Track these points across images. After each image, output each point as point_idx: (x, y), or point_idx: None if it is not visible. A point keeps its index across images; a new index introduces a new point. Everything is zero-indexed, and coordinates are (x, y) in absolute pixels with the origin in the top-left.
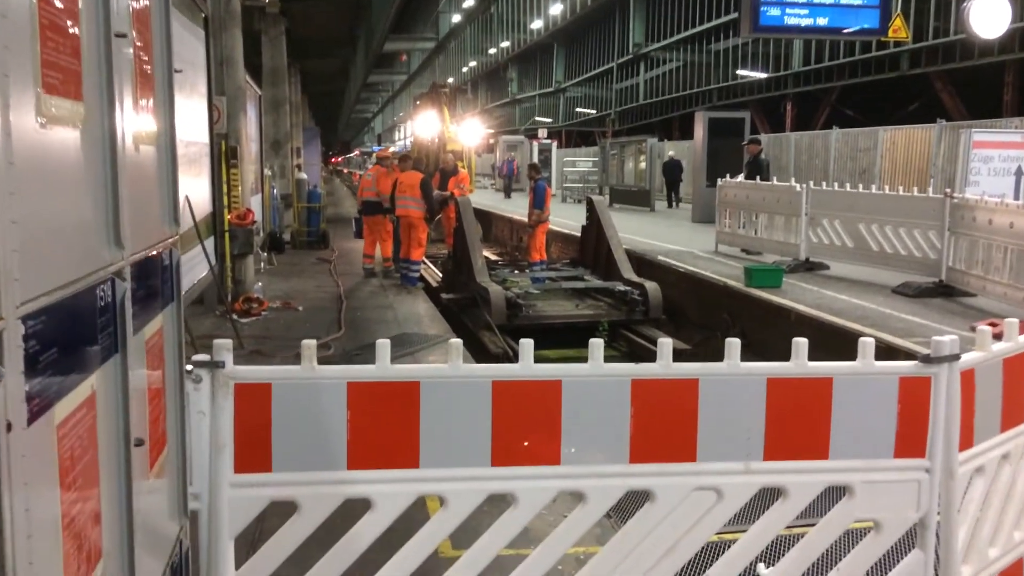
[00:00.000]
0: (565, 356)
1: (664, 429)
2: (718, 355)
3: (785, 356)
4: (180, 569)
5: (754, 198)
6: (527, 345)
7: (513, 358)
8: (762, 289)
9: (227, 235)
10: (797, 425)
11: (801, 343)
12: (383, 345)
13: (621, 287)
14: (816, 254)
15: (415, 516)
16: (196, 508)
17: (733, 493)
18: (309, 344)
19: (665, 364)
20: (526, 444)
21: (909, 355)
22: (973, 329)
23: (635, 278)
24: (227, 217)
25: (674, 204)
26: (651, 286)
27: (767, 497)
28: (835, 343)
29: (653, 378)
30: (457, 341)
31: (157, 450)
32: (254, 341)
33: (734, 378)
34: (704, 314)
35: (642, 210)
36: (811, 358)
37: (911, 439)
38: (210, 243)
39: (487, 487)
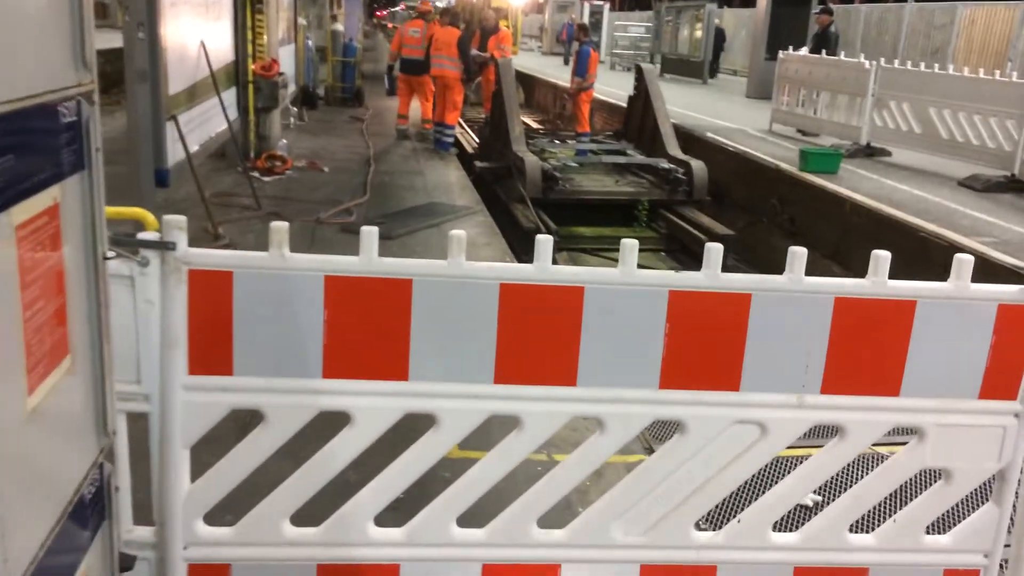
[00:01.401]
0: (601, 234)
1: (703, 351)
2: (763, 242)
3: (835, 248)
4: (97, 501)
5: (817, 74)
6: (544, 243)
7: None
8: (817, 174)
9: (250, 87)
10: (866, 354)
11: (882, 257)
12: (369, 234)
13: (665, 164)
14: (879, 139)
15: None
16: (146, 411)
17: (780, 430)
18: (279, 227)
19: (712, 274)
20: (537, 359)
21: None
22: None
23: (680, 155)
24: (251, 67)
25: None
26: (697, 165)
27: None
28: (891, 237)
29: (696, 290)
30: (459, 233)
31: (51, 360)
32: (273, 202)
33: (796, 296)
34: (751, 198)
35: (694, 82)
36: (864, 254)
37: (1002, 379)
38: (230, 95)
39: (488, 407)
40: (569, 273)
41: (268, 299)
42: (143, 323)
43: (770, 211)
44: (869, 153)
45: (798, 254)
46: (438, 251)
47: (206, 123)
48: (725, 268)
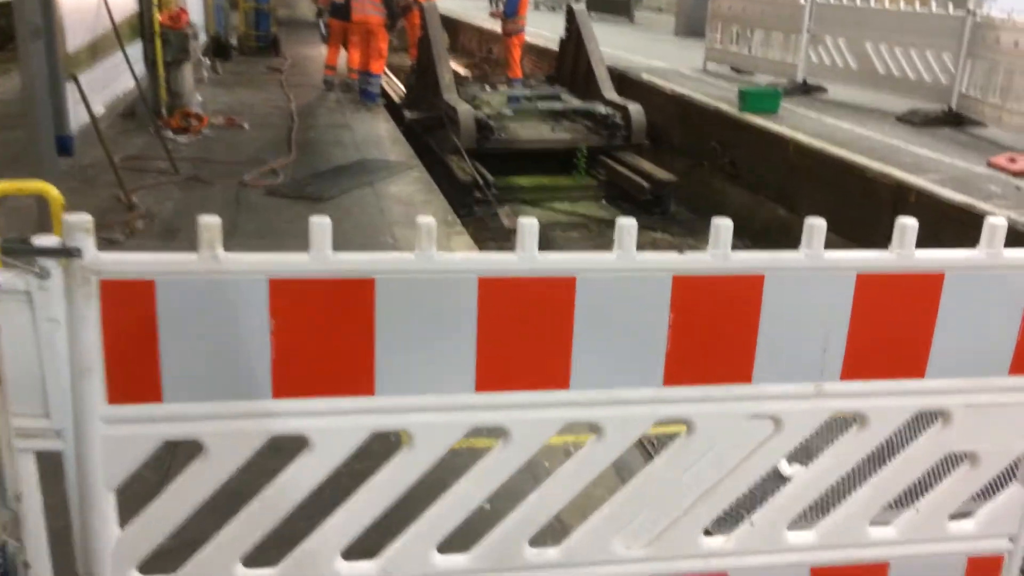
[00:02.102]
0: (540, 184)
1: (712, 342)
2: (705, 186)
3: (780, 191)
4: None
5: (751, 11)
6: (528, 228)
7: (484, 187)
8: (757, 114)
9: (157, 39)
10: (889, 334)
11: (908, 227)
12: (320, 226)
13: (602, 109)
14: (815, 76)
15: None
16: (59, 449)
17: (796, 422)
18: (210, 223)
19: (721, 255)
20: (524, 361)
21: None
22: (989, 164)
23: (617, 99)
24: (156, 18)
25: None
26: (634, 108)
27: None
28: (837, 178)
29: (704, 274)
30: (429, 221)
31: None
32: (190, 165)
33: (815, 273)
34: (691, 141)
35: (620, 20)
36: (811, 196)
37: None
38: (136, 49)
39: (469, 419)
40: (558, 262)
41: (201, 310)
42: (47, 347)
43: (711, 154)
44: (806, 91)
45: (816, 227)
46: (375, 212)
47: (112, 81)
48: (668, 214)
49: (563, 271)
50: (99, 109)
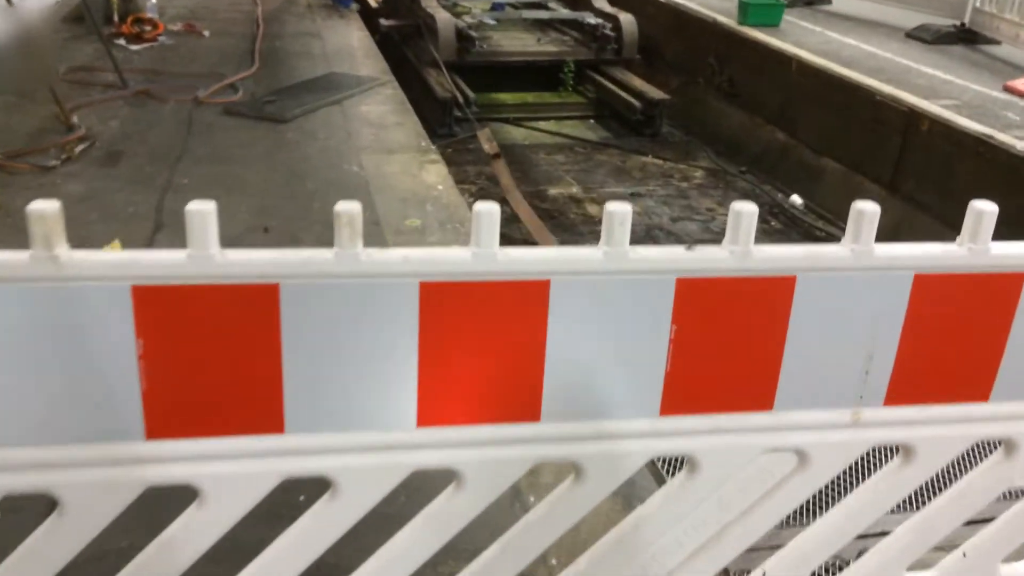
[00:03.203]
0: (524, 101)
1: (723, 361)
2: (700, 105)
3: (780, 112)
4: None
5: None
6: (486, 217)
7: (464, 104)
8: (757, 28)
9: None
10: (950, 349)
11: (986, 213)
12: (201, 215)
13: (591, 19)
14: None
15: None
16: None
17: (825, 457)
18: (44, 212)
19: (741, 252)
20: (479, 388)
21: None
22: (1005, 88)
23: (607, 8)
24: None
25: None
26: (626, 19)
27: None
28: (843, 100)
29: (718, 276)
30: (349, 210)
31: None
32: (142, 77)
33: (860, 275)
34: (685, 56)
35: None
36: (813, 120)
37: None
38: None
39: (408, 460)
40: (526, 260)
41: (41, 328)
42: None
43: (707, 71)
44: (808, 1)
45: (866, 214)
46: (343, 135)
47: None
48: (660, 136)
49: (533, 272)
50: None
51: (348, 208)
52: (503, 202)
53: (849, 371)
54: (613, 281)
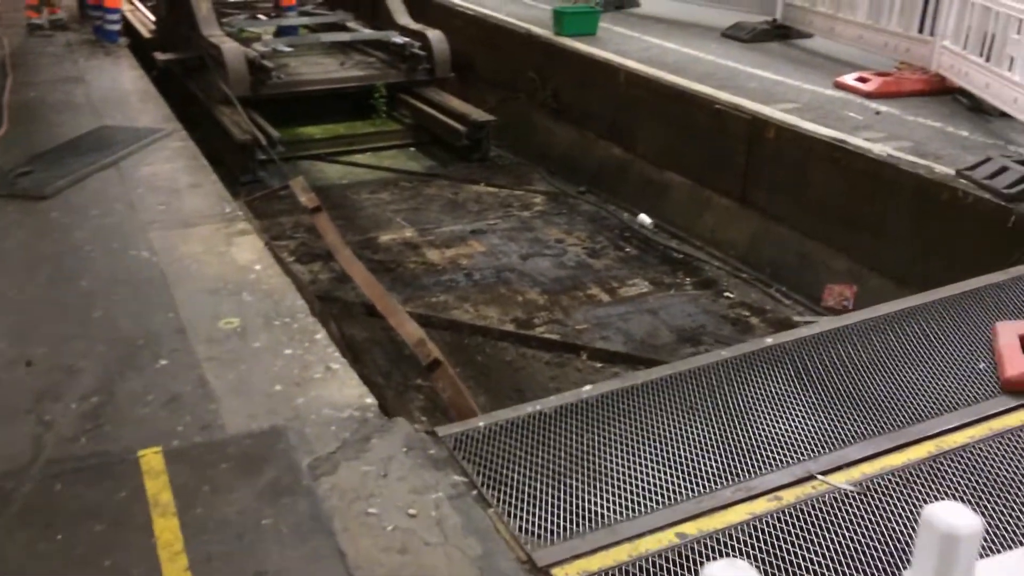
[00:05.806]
0: (335, 133)
1: None
2: (527, 123)
3: (611, 125)
4: None
5: None
6: None
7: (268, 144)
8: (575, 37)
9: None
10: None
11: None
12: None
13: (398, 38)
14: None
15: None
16: None
17: None
18: None
19: None
20: None
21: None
22: (837, 85)
23: (413, 25)
24: None
25: None
26: (435, 36)
27: None
28: (680, 110)
29: None
30: None
31: None
32: None
33: None
34: (502, 71)
35: None
36: (649, 132)
37: None
38: None
39: None
40: None
41: None
42: None
43: (528, 86)
44: (618, 5)
45: None
46: (124, 208)
47: None
48: (487, 158)
49: None
50: None
51: None
52: (329, 258)
53: None
54: None
